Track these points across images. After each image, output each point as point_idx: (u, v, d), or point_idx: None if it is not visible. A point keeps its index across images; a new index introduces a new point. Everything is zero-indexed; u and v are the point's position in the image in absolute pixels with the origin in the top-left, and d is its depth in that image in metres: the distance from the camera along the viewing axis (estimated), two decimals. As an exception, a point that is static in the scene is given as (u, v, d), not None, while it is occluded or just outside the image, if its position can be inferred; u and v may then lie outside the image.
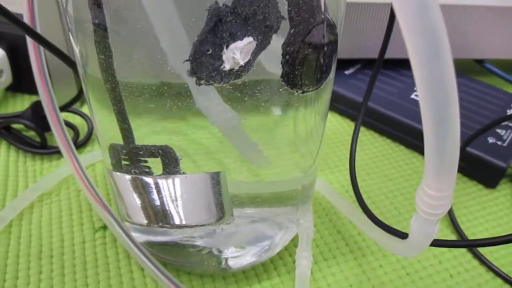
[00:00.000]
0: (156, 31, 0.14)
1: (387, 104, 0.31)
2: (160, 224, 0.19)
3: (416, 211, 0.13)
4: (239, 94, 0.15)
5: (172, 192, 0.18)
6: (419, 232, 0.14)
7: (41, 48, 0.20)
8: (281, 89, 0.16)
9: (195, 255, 0.21)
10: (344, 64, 0.35)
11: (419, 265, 0.22)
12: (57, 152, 0.28)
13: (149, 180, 0.18)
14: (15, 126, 0.28)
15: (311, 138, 0.19)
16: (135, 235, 0.21)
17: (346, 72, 0.34)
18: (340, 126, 0.32)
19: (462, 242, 0.21)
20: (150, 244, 0.21)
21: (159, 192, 0.18)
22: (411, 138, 0.30)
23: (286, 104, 0.16)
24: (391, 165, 0.29)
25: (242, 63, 0.14)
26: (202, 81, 0.14)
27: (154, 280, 0.21)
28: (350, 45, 0.33)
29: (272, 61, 0.15)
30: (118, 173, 0.18)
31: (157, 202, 0.18)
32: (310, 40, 0.15)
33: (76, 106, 0.31)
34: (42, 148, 0.27)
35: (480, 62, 0.37)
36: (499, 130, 0.29)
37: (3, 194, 0.25)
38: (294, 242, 0.22)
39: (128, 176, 0.18)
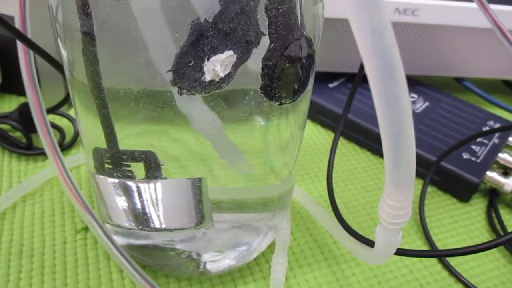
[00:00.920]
0: (144, 40, 0.14)
1: (368, 118, 0.32)
2: (141, 227, 0.20)
3: (380, 221, 0.14)
4: (220, 103, 0.16)
5: (153, 196, 0.19)
6: (383, 240, 0.14)
7: (31, 52, 0.20)
8: (259, 100, 0.16)
9: (175, 258, 0.22)
10: (328, 77, 0.36)
11: (391, 275, 0.23)
12: (42, 154, 0.28)
13: (131, 183, 0.18)
14: (1, 126, 0.29)
15: (287, 148, 0.19)
16: (116, 238, 0.21)
17: (330, 85, 0.35)
18: (322, 138, 0.33)
19: (429, 252, 0.22)
20: (130, 247, 0.22)
21: (140, 195, 0.19)
22: (390, 152, 0.31)
23: (264, 114, 0.17)
24: (369, 177, 0.30)
25: (222, 75, 0.15)
26: (184, 91, 0.15)
27: (132, 281, 0.22)
28: (334, 59, 0.34)
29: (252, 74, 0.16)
30: (100, 176, 0.19)
31: (138, 206, 0.19)
32: (288, 54, 0.16)
33: (63, 109, 0.31)
34: (28, 149, 0.28)
35: (459, 80, 0.38)
36: (473, 147, 0.30)
37: (-14, 193, 0.25)
38: (271, 248, 0.23)
39: (110, 179, 0.19)
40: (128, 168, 0.18)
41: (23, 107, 0.28)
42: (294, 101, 0.17)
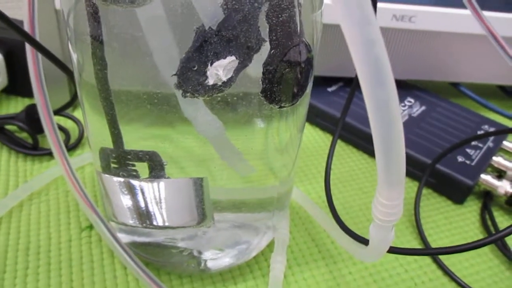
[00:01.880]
0: (150, 45, 0.15)
1: (365, 121, 0.33)
2: (144, 224, 0.21)
3: (373, 219, 0.14)
4: (222, 107, 0.17)
5: (157, 194, 0.20)
6: (377, 238, 0.15)
7: (39, 54, 0.21)
8: (259, 104, 0.17)
9: (177, 255, 0.22)
10: (327, 81, 0.37)
11: (386, 273, 0.24)
12: (47, 154, 0.29)
13: (135, 182, 0.19)
14: (8, 127, 0.30)
15: (287, 150, 0.20)
16: (120, 235, 0.22)
17: (329, 89, 0.36)
18: (320, 140, 0.34)
19: (422, 250, 0.22)
20: (134, 244, 0.22)
21: (144, 194, 0.20)
22: (387, 154, 0.32)
23: (264, 117, 0.18)
24: (366, 178, 0.31)
25: (224, 79, 0.16)
26: (188, 94, 0.16)
27: (135, 278, 0.22)
28: (332, 63, 0.35)
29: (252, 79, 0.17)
30: (106, 175, 0.20)
31: (142, 204, 0.20)
32: (287, 59, 0.16)
33: (68, 110, 0.32)
34: (34, 149, 0.28)
35: (455, 85, 0.39)
36: (468, 150, 0.31)
37: (-7, 192, 0.26)
38: (270, 247, 0.24)
39: (116, 178, 0.19)
40: (133, 168, 0.19)
41: (29, 109, 0.28)
42: (293, 104, 0.18)
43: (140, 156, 0.19)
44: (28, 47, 0.21)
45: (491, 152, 0.31)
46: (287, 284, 0.23)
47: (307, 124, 0.36)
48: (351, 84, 0.37)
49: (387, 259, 0.25)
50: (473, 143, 0.31)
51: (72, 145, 0.30)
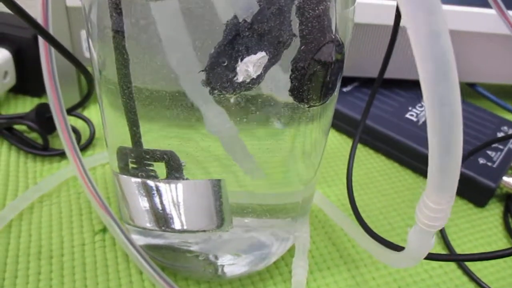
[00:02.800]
0: (175, 41, 0.14)
1: (383, 123, 0.32)
2: (163, 228, 0.20)
3: (416, 223, 0.14)
4: (250, 107, 0.16)
5: (175, 196, 0.19)
6: (416, 243, 0.14)
7: (53, 52, 0.20)
8: (287, 105, 0.16)
9: (192, 260, 0.21)
10: (342, 81, 0.36)
11: (411, 279, 0.23)
12: (58, 155, 0.28)
13: (155, 184, 0.18)
14: (17, 127, 0.29)
15: (314, 152, 0.19)
16: (134, 237, 0.21)
17: (344, 90, 0.35)
18: (337, 142, 0.33)
19: (452, 256, 0.21)
20: (148, 247, 0.22)
21: (163, 196, 0.19)
22: (405, 156, 0.31)
23: (293, 119, 0.17)
24: (385, 181, 0.30)
25: (254, 76, 0.15)
26: (216, 91, 0.15)
27: (152, 283, 0.21)
28: (349, 63, 0.34)
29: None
30: (124, 176, 0.19)
31: (161, 206, 0.19)
32: (319, 57, 0.16)
33: (78, 111, 0.31)
34: (44, 150, 0.28)
35: (472, 85, 0.38)
36: (489, 152, 0.30)
37: (3, 194, 0.25)
38: (291, 252, 0.23)
39: (134, 179, 0.19)
40: (151, 168, 0.18)
41: (40, 108, 0.28)
42: (323, 103, 0.17)
43: (157, 155, 0.18)
44: (41, 43, 0.20)
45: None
46: (309, 290, 0.22)
47: (321, 125, 0.35)
48: (366, 84, 0.36)
49: (410, 264, 0.24)
50: (493, 145, 0.31)
51: (83, 146, 0.29)
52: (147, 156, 0.18)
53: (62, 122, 0.21)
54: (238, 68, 0.15)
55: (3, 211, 0.23)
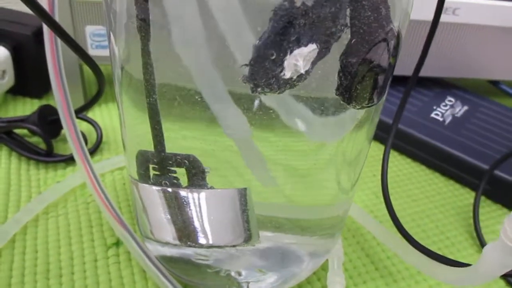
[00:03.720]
0: (216, 32, 0.12)
1: (408, 123, 0.30)
2: (188, 243, 0.18)
3: (499, 238, 0.12)
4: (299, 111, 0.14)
5: (200, 207, 0.17)
6: (495, 260, 0.13)
7: (59, 47, 0.18)
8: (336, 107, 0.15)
9: (213, 276, 0.19)
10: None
11: (454, 293, 0.21)
12: (63, 161, 0.26)
13: (178, 193, 0.16)
14: (17, 131, 0.26)
15: (358, 161, 0.17)
16: (149, 246, 0.19)
17: (364, 88, 0.33)
18: (358, 143, 0.31)
19: None
20: (163, 258, 0.20)
21: (187, 207, 0.17)
22: (432, 158, 0.29)
23: (339, 125, 0.15)
24: (413, 185, 0.28)
25: (302, 71, 0.13)
26: (259, 89, 0.13)
27: (174, 304, 0.19)
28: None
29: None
30: (145, 185, 0.17)
31: (185, 218, 0.17)
32: (375, 52, 0.14)
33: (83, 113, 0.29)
34: (48, 155, 0.25)
35: (495, 83, 0.36)
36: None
37: (4, 205, 0.23)
38: (323, 265, 0.21)
39: (156, 188, 0.17)
40: (174, 175, 0.16)
41: (43, 110, 0.25)
42: (373, 105, 0.15)
43: (178, 160, 0.16)
44: (46, 38, 0.18)
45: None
46: (346, 308, 0.20)
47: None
48: (392, 83, 0.34)
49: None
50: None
51: (90, 151, 0.26)
52: (170, 162, 0.16)
53: (71, 125, 0.19)
54: (286, 62, 0.13)
55: (5, 225, 0.21)
